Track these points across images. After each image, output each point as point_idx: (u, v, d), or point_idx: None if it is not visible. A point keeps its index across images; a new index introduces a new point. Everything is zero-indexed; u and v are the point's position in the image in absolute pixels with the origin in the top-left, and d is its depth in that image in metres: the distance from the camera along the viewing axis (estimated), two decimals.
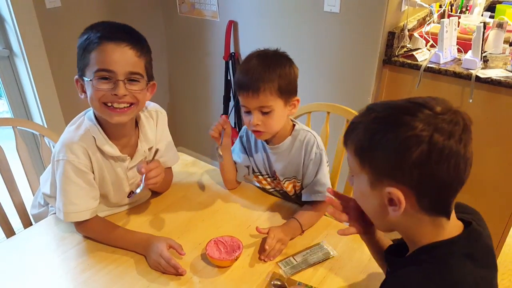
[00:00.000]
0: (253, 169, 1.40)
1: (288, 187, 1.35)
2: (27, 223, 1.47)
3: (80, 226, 1.18)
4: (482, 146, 1.85)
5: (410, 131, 0.65)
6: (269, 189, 1.42)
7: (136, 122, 1.23)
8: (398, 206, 0.70)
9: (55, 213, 1.25)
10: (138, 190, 1.16)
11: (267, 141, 1.31)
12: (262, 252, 1.11)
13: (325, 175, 1.27)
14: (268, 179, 1.39)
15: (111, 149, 1.16)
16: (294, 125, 1.30)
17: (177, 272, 1.05)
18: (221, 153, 1.29)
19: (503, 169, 1.87)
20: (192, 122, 2.98)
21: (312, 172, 1.27)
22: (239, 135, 1.41)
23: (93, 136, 1.14)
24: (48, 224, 1.26)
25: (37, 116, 2.22)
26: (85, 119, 1.17)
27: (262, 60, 1.17)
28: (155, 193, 1.37)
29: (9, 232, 1.43)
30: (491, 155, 1.86)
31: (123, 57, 1.05)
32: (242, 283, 1.04)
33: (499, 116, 1.80)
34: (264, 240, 1.13)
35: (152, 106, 1.30)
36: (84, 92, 1.10)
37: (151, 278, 1.05)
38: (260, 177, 1.40)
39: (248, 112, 1.20)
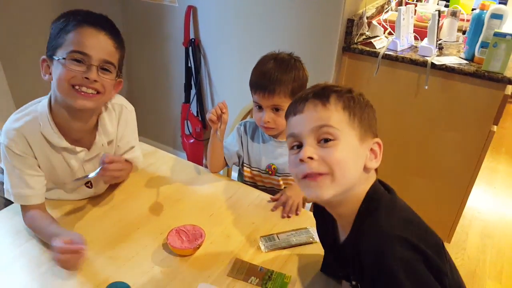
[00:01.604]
0: (243, 161, 1.47)
1: (280, 182, 1.43)
2: None
3: (24, 214, 1.15)
4: (437, 131, 1.92)
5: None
6: (256, 181, 1.47)
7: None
8: (379, 154, 0.82)
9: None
10: (90, 175, 1.12)
11: (274, 136, 1.41)
12: (284, 210, 1.24)
13: None
14: (255, 172, 1.46)
15: (58, 139, 1.12)
16: None
17: (76, 252, 0.96)
18: (220, 137, 1.33)
19: (457, 152, 1.95)
20: (151, 110, 2.92)
21: None
22: (236, 126, 1.48)
23: (40, 123, 1.10)
24: (5, 216, 1.20)
25: None
26: (38, 107, 1.13)
27: (278, 63, 1.30)
28: (115, 183, 1.33)
29: None
30: (446, 140, 1.93)
31: (101, 44, 1.05)
32: (204, 270, 1.03)
33: (453, 101, 1.87)
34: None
35: (117, 99, 1.26)
36: (49, 73, 1.07)
37: (110, 270, 1.03)
38: (248, 169, 1.47)
39: (260, 109, 1.33)
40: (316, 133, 0.78)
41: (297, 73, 1.31)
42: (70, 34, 1.03)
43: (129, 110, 1.29)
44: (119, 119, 1.25)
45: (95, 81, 1.04)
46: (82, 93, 1.05)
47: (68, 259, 0.96)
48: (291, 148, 0.83)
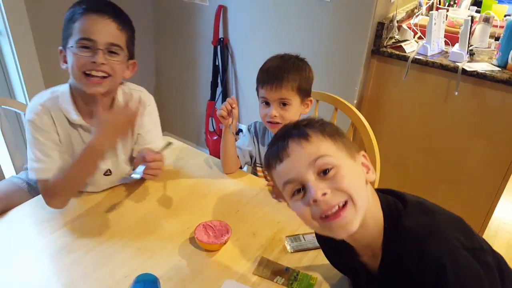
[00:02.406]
0: (255, 161, 1.48)
1: None
2: None
3: (45, 190, 1.17)
4: (466, 138, 1.89)
5: None
6: (270, 180, 1.46)
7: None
8: (370, 164, 0.82)
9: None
10: (134, 176, 1.16)
11: None
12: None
13: None
14: None
15: (75, 116, 1.18)
16: None
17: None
18: (233, 131, 1.36)
19: (486, 160, 1.92)
20: (178, 107, 2.95)
21: None
22: (247, 127, 1.51)
23: (59, 101, 1.17)
24: (33, 206, 1.24)
25: (21, 95, 2.16)
26: (60, 87, 1.21)
27: (287, 61, 1.34)
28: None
29: None
30: (475, 147, 1.90)
31: (104, 28, 1.10)
32: (230, 267, 1.04)
33: (483, 108, 1.84)
34: None
35: (137, 87, 1.31)
36: (66, 62, 1.14)
37: (138, 262, 1.05)
38: (261, 169, 1.48)
39: (267, 105, 1.33)
40: (313, 168, 0.75)
41: (305, 72, 1.34)
42: (77, 23, 1.10)
43: (149, 98, 1.33)
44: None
45: (103, 64, 1.10)
46: (94, 80, 1.11)
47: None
48: (292, 195, 0.78)
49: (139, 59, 1.19)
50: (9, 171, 1.48)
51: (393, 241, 0.77)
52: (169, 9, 2.61)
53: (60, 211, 1.20)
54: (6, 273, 1.01)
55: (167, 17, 2.65)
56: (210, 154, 2.74)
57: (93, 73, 1.10)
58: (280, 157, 0.78)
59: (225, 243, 1.09)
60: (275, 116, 1.32)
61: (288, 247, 1.11)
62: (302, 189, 0.77)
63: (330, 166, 0.74)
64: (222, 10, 2.36)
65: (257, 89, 1.38)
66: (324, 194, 0.73)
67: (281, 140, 0.79)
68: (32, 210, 1.23)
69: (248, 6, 2.28)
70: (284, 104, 1.32)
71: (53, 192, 1.17)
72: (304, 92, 1.34)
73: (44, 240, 1.11)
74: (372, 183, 0.82)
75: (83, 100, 1.19)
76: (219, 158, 1.48)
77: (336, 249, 0.91)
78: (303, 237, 1.14)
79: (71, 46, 1.09)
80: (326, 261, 1.06)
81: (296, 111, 1.34)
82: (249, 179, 1.41)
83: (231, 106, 1.31)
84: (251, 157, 1.48)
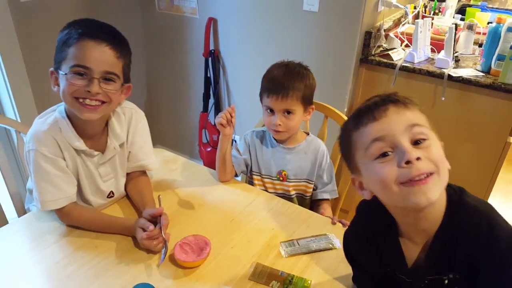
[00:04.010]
0: (251, 169, 1.49)
1: (290, 188, 1.46)
2: (3, 222, 1.44)
3: (63, 215, 1.18)
4: (452, 143, 1.93)
5: None
6: (267, 188, 1.49)
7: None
8: None
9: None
10: (164, 257, 1.09)
11: (282, 143, 1.44)
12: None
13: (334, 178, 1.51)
14: (267, 179, 1.48)
15: (77, 142, 1.15)
16: (307, 133, 1.49)
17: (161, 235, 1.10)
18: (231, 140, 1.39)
19: (473, 165, 1.95)
20: (170, 120, 2.97)
21: (328, 178, 1.48)
22: (243, 136, 1.52)
23: (60, 128, 1.13)
24: (27, 220, 1.24)
25: (10, 111, 2.16)
26: (56, 112, 1.17)
27: (290, 70, 1.36)
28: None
29: None
30: (461, 151, 1.94)
31: (101, 56, 1.06)
32: (226, 274, 1.06)
33: (469, 113, 1.88)
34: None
35: (127, 104, 1.29)
36: (58, 85, 1.10)
37: (134, 272, 1.05)
38: (258, 177, 1.49)
39: (271, 113, 1.36)
40: (408, 134, 0.76)
41: (308, 80, 1.36)
42: (72, 48, 1.05)
43: (140, 115, 1.32)
44: (129, 123, 1.28)
45: (98, 93, 1.07)
46: (88, 106, 1.08)
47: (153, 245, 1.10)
48: (377, 157, 0.77)
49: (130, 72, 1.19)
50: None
51: (456, 214, 0.79)
52: (159, 23, 2.64)
53: (54, 226, 1.19)
54: None
55: (157, 30, 2.68)
56: (204, 165, 2.75)
57: (87, 101, 1.07)
58: (376, 116, 0.78)
59: (206, 257, 1.08)
60: (279, 125, 1.35)
61: (283, 252, 1.12)
62: (389, 152, 0.76)
63: (425, 137, 0.76)
64: (212, 22, 2.39)
65: (260, 95, 1.39)
66: (419, 158, 0.73)
67: (379, 102, 0.80)
68: (25, 226, 1.23)
69: (237, 18, 2.31)
70: (288, 112, 1.35)
71: (70, 221, 1.19)
72: (308, 101, 1.38)
73: (39, 255, 1.11)
74: None
75: (79, 123, 1.15)
76: (213, 169, 1.49)
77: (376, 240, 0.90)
78: (297, 242, 1.15)
79: (65, 73, 1.05)
80: (320, 265, 1.09)
81: (299, 119, 1.38)
82: (243, 188, 1.42)
83: (230, 115, 1.31)
84: (246, 166, 1.50)
